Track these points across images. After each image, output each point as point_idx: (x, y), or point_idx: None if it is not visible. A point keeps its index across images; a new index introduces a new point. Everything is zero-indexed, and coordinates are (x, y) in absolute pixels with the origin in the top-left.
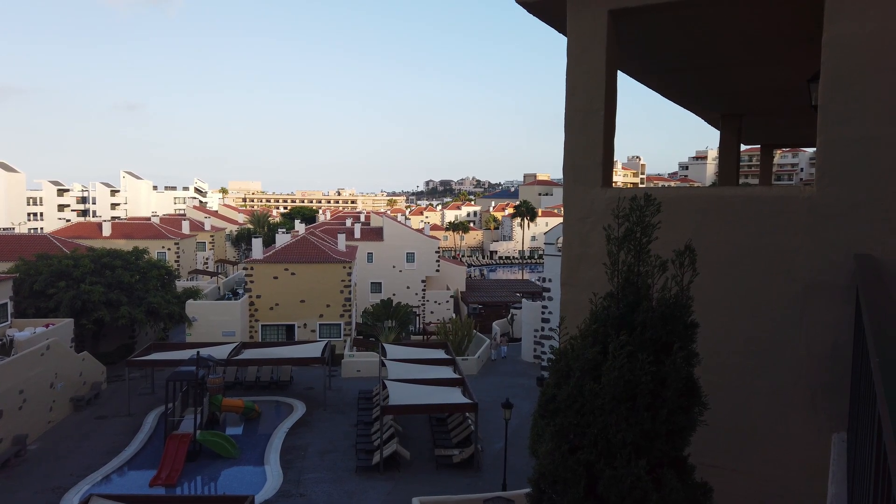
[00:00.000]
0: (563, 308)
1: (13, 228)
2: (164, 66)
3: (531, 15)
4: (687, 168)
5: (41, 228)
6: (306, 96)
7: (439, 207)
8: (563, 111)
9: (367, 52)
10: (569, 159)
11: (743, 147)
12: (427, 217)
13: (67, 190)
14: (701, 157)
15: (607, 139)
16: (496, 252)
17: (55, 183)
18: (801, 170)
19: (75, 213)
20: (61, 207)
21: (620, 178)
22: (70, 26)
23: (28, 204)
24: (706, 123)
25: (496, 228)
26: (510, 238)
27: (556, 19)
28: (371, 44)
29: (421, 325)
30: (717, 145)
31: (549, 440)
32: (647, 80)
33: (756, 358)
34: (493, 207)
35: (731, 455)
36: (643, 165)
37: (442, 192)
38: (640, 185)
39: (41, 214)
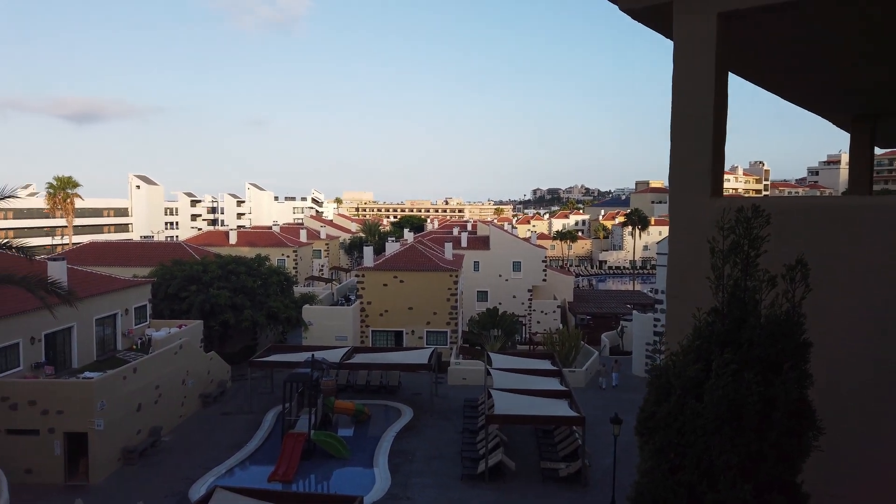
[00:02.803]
0: (668, 322)
1: (152, 236)
2: (287, 85)
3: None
4: (817, 174)
5: (176, 236)
6: (416, 109)
7: (546, 216)
8: (670, 118)
9: (475, 62)
10: (675, 167)
11: (882, 151)
12: (534, 226)
13: (199, 201)
14: (833, 162)
15: (717, 146)
16: (605, 262)
17: (189, 194)
18: None
19: (206, 222)
20: (194, 217)
21: (741, 184)
22: (206, 51)
23: (166, 214)
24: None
25: (606, 237)
26: (620, 247)
27: (661, 24)
28: (480, 54)
29: (527, 335)
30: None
31: (648, 458)
32: (765, 83)
33: (887, 382)
34: (603, 216)
35: (853, 485)
36: (767, 171)
37: (549, 200)
38: (764, 193)
39: (176, 223)
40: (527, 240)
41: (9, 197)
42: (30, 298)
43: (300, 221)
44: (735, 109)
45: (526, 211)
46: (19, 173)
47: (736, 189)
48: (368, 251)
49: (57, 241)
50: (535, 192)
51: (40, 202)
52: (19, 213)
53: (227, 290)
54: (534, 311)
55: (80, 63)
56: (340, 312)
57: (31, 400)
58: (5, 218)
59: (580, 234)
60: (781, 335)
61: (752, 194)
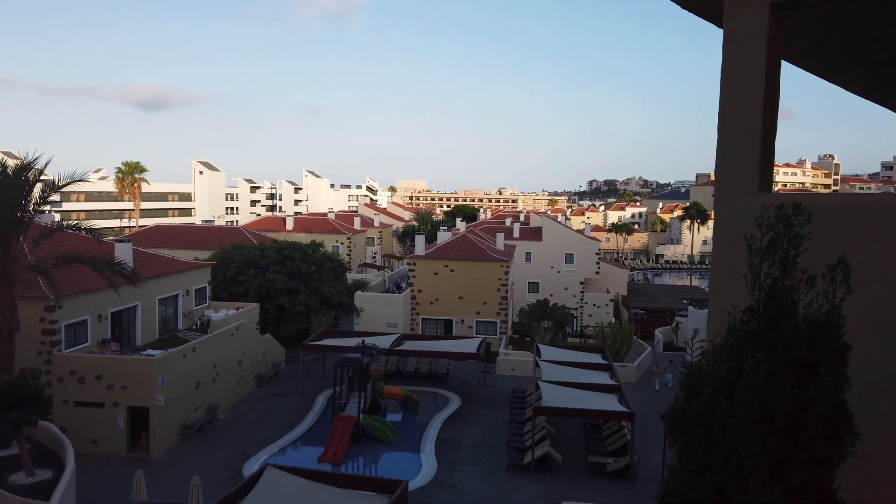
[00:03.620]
0: (709, 320)
1: (213, 221)
2: (345, 75)
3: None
4: (892, 168)
5: (236, 221)
6: (472, 99)
7: (602, 208)
8: (717, 110)
9: (531, 52)
10: (721, 161)
11: None
12: (588, 218)
13: (259, 187)
14: None
15: (766, 140)
16: (662, 256)
17: (249, 181)
18: None
19: (265, 207)
20: (253, 203)
21: (809, 178)
22: (267, 41)
23: (226, 199)
24: None
25: (663, 231)
26: (678, 241)
27: (712, 13)
28: (537, 45)
29: (578, 328)
30: None
31: (676, 457)
32: (826, 75)
33: None
34: (661, 209)
35: (893, 494)
36: (837, 165)
37: (606, 192)
38: (833, 187)
39: (237, 209)
40: (580, 232)
41: (79, 181)
42: (98, 278)
43: (355, 209)
44: (804, 102)
45: (581, 202)
46: (91, 158)
47: (803, 184)
48: (420, 240)
49: (125, 223)
50: (590, 183)
51: (110, 186)
52: (91, 197)
53: (283, 275)
54: (586, 303)
55: (149, 52)
56: (391, 300)
57: (97, 374)
58: (78, 201)
59: (636, 226)
60: (819, 336)
61: (820, 189)
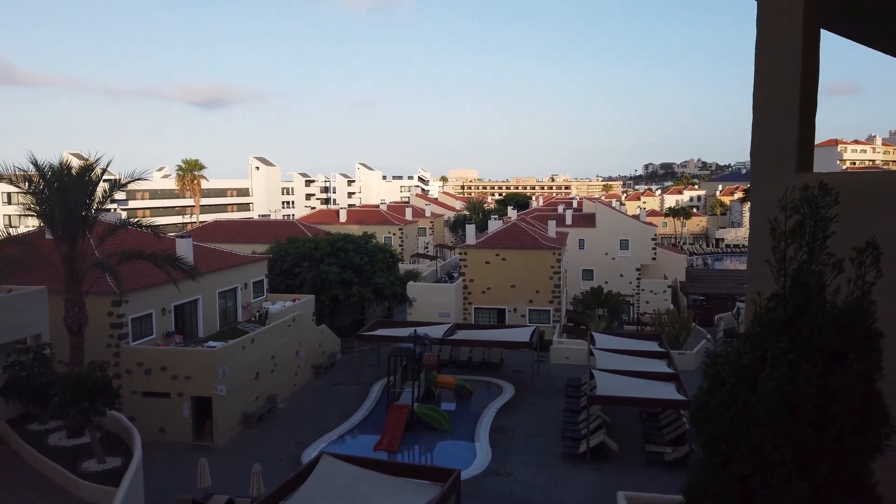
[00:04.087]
0: (747, 307)
1: (269, 215)
2: (394, 65)
3: None
4: None
5: (292, 215)
6: (522, 84)
7: (658, 192)
8: (753, 85)
9: (583, 34)
10: (757, 140)
11: None
12: (644, 202)
13: (313, 181)
14: None
15: (805, 117)
16: (722, 240)
17: (303, 175)
18: None
19: (319, 201)
20: (308, 196)
21: (880, 155)
22: (318, 35)
23: (282, 193)
24: None
25: (723, 214)
26: (739, 224)
27: None
28: (590, 27)
29: (635, 316)
30: None
31: (700, 449)
32: (881, 46)
33: None
34: (721, 191)
35: None
36: None
37: (662, 175)
38: None
39: (292, 203)
40: (635, 217)
41: (139, 179)
42: (161, 273)
43: (406, 200)
44: (873, 76)
45: (636, 187)
46: (154, 156)
47: (873, 161)
48: (471, 229)
49: (187, 219)
50: (646, 167)
51: (172, 183)
52: (155, 194)
53: (337, 267)
54: (642, 290)
55: (207, 52)
56: (443, 289)
57: (162, 366)
58: (143, 198)
59: (695, 210)
60: (848, 323)
61: (892, 166)
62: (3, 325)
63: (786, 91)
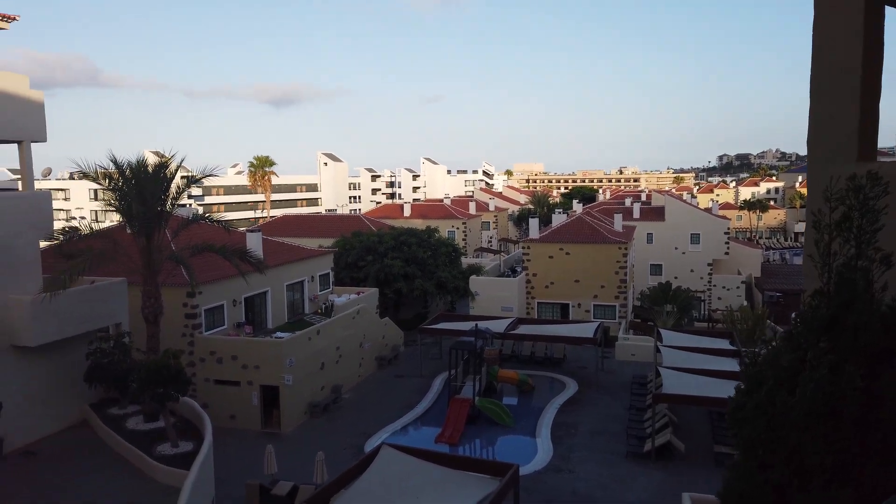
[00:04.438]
0: (802, 305)
1: (335, 210)
2: (461, 60)
3: None
4: None
5: (359, 209)
6: (591, 76)
7: (733, 184)
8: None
9: (652, 22)
10: (814, 128)
11: None
12: (717, 195)
13: (379, 176)
14: None
15: (868, 103)
16: (801, 234)
17: (369, 170)
18: None
19: (385, 195)
20: (374, 191)
21: None
22: (386, 32)
23: (350, 188)
24: None
25: (803, 207)
26: None
27: None
28: (656, 14)
29: (706, 312)
30: None
31: (738, 451)
32: None
33: None
34: (800, 183)
35: None
36: None
37: (738, 167)
38: None
39: (359, 197)
40: (707, 210)
41: (210, 175)
42: (232, 266)
43: (470, 194)
44: None
45: (710, 179)
46: (229, 154)
47: None
48: (534, 223)
49: (258, 214)
50: (720, 158)
51: (244, 180)
52: (228, 190)
53: (400, 261)
54: (714, 286)
55: (278, 52)
56: (506, 283)
57: (233, 355)
58: (217, 194)
59: (772, 203)
60: None
61: None
62: (87, 314)
63: (844, 78)
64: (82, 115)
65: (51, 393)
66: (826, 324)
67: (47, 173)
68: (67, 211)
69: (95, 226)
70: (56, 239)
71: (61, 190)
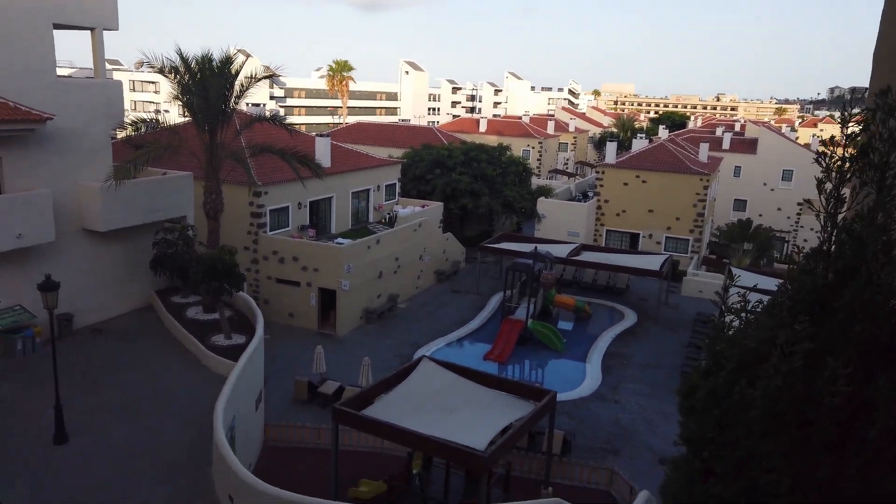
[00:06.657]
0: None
1: (409, 120)
2: None
3: None
4: None
5: (437, 122)
6: None
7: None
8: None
9: None
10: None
11: None
12: (822, 130)
13: (460, 88)
14: None
15: None
16: None
17: (451, 82)
18: None
19: (464, 109)
20: (454, 104)
21: None
22: None
23: (429, 100)
24: None
25: None
26: None
27: None
28: None
29: (788, 253)
30: None
31: (684, 445)
32: None
33: None
34: None
35: None
36: None
37: (850, 100)
38: None
39: (438, 109)
40: (806, 146)
41: (273, 75)
42: (300, 169)
43: (552, 113)
44: None
45: (816, 112)
46: (317, 57)
47: None
48: (611, 147)
49: (336, 119)
50: (831, 90)
51: (325, 84)
52: (310, 94)
53: (468, 176)
54: (801, 227)
55: None
56: (574, 208)
57: (294, 256)
58: (299, 97)
59: None
60: None
61: None
62: (154, 205)
63: None
64: (181, 12)
65: (119, 277)
66: (813, 297)
67: (139, 65)
68: (157, 104)
69: (164, 119)
70: (125, 129)
71: (152, 83)
